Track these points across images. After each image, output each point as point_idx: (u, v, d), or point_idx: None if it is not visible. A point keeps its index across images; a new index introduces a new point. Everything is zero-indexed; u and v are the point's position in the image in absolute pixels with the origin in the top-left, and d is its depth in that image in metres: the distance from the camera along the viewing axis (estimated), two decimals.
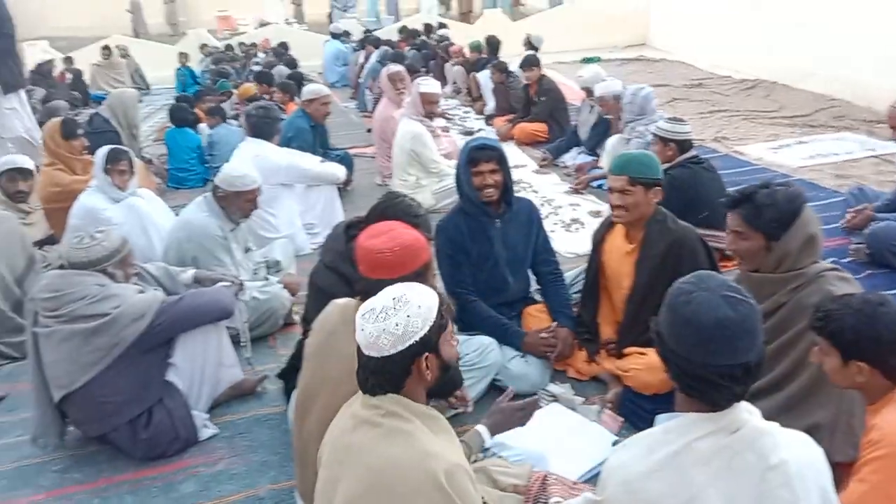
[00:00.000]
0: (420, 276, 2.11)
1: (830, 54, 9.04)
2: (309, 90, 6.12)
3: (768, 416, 1.49)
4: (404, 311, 1.66)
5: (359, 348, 1.70)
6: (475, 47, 10.63)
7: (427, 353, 1.69)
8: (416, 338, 1.66)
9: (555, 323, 3.33)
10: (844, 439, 2.25)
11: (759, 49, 10.77)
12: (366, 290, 2.14)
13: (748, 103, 9.29)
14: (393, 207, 2.70)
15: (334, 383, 2.14)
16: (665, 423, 1.59)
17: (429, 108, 5.93)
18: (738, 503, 1.47)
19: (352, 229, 2.88)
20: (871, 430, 1.87)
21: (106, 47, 13.76)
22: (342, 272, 2.80)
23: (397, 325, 1.64)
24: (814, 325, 1.98)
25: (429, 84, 6.02)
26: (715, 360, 1.47)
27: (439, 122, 6.44)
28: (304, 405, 2.31)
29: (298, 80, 8.54)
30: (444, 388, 1.82)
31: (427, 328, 1.67)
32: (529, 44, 9.39)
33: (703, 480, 1.48)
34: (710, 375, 1.48)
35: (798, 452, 1.53)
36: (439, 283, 3.01)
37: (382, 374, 1.68)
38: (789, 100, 9.21)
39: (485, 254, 3.32)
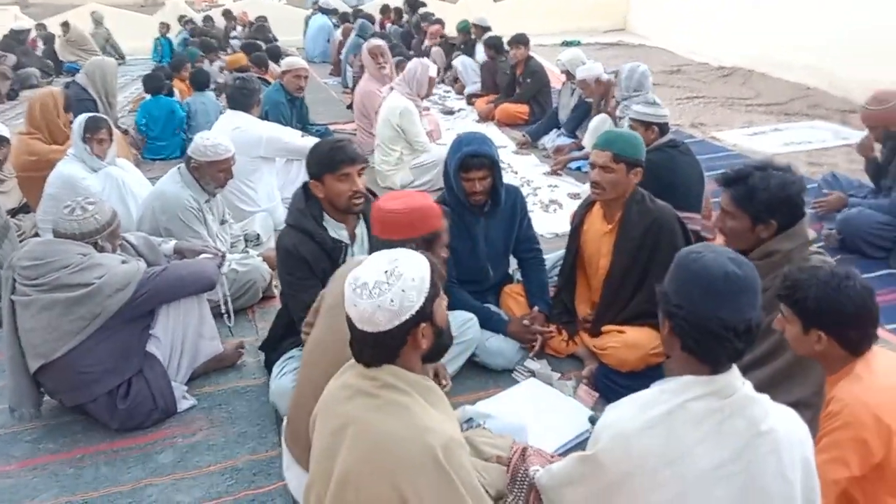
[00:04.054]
0: (429, 242, 2.14)
1: (807, 44, 9.14)
2: (284, 62, 6.12)
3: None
4: (398, 284, 1.62)
5: (349, 320, 1.67)
6: (462, 28, 10.58)
7: (423, 324, 1.68)
8: (412, 311, 1.63)
9: (535, 308, 3.36)
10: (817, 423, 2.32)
11: (737, 37, 10.86)
12: (378, 249, 2.19)
13: (725, 90, 9.39)
14: (339, 150, 2.77)
15: (343, 338, 2.15)
16: (660, 384, 1.64)
17: (431, 90, 6.10)
18: (725, 465, 1.53)
19: (309, 189, 2.93)
20: (831, 402, 1.94)
21: (65, 23, 13.41)
22: (305, 229, 2.84)
23: (392, 301, 1.60)
24: (780, 294, 2.04)
25: (433, 68, 6.12)
26: (722, 313, 1.54)
27: (424, 103, 6.46)
28: (313, 352, 2.30)
29: (276, 54, 8.43)
30: (437, 350, 1.83)
31: (422, 300, 1.65)
32: (478, 28, 9.36)
33: (693, 440, 1.53)
34: (716, 328, 1.54)
35: (786, 424, 1.60)
36: None
37: (378, 348, 1.67)
38: (766, 88, 9.32)
39: (467, 249, 3.32)
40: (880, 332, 3.45)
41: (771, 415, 1.59)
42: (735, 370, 1.62)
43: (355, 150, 2.88)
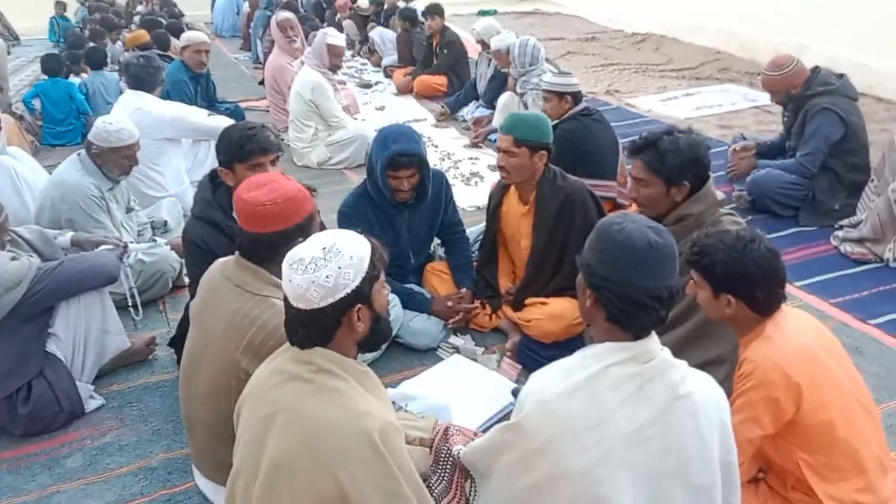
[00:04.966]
0: (303, 228, 2.07)
1: (718, 9, 9.35)
2: (184, 37, 5.84)
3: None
4: (335, 261, 1.59)
5: (286, 299, 1.65)
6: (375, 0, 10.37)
7: (359, 305, 1.64)
8: (348, 290, 1.61)
9: (464, 290, 3.32)
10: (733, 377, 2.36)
11: (651, 3, 11.01)
12: (247, 244, 2.10)
13: (639, 57, 9.53)
14: (250, 139, 2.65)
15: (217, 340, 2.10)
16: (583, 351, 1.64)
17: (335, 60, 5.79)
18: (644, 429, 1.54)
19: (217, 176, 2.79)
20: (743, 364, 1.97)
21: None
22: (212, 220, 2.71)
23: (328, 276, 1.58)
24: (688, 259, 2.05)
25: (336, 36, 5.87)
26: (646, 282, 1.55)
27: (338, 76, 6.24)
28: (190, 366, 2.25)
29: (177, 29, 8.03)
30: (375, 339, 1.77)
31: (359, 279, 1.62)
32: None
33: (614, 404, 1.53)
34: (640, 297, 1.54)
35: (703, 388, 1.62)
36: None
37: (311, 326, 1.63)
38: (678, 53, 9.50)
39: (389, 240, 3.17)
40: (791, 289, 3.58)
41: (688, 379, 1.60)
42: (654, 336, 1.63)
43: (268, 137, 2.73)
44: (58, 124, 6.62)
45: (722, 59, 8.96)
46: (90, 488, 2.56)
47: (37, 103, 6.71)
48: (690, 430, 1.56)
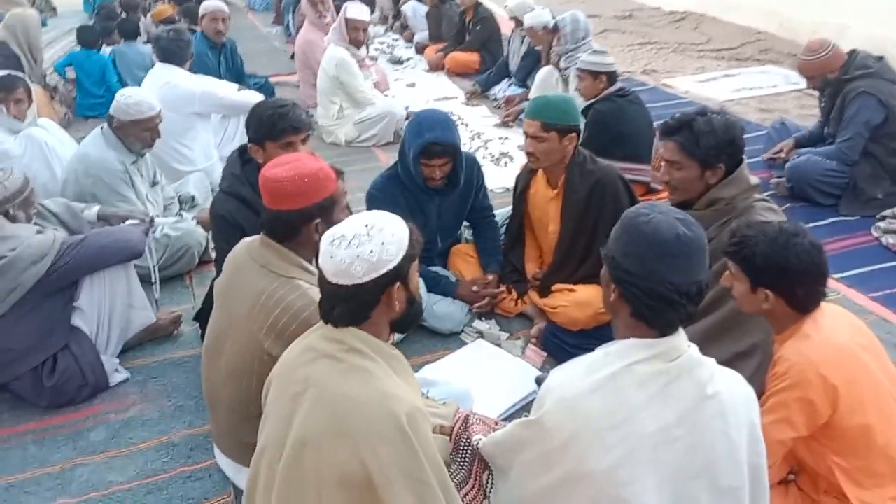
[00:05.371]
0: (323, 209, 2.05)
1: None
2: (201, 7, 5.77)
3: (695, 342, 1.51)
4: (379, 237, 1.60)
5: (322, 276, 1.64)
6: None
7: (398, 283, 1.65)
8: (390, 266, 1.61)
9: (491, 277, 3.27)
10: (767, 368, 2.26)
11: None
12: (268, 221, 2.09)
13: (677, 35, 9.28)
14: (283, 117, 2.62)
15: (241, 320, 2.09)
16: (605, 347, 1.59)
17: (354, 34, 5.60)
18: (670, 428, 1.48)
19: (246, 152, 2.77)
20: (778, 362, 1.90)
21: None
22: (241, 195, 2.69)
23: (371, 251, 1.58)
24: (727, 250, 1.98)
25: (356, 9, 5.67)
26: (674, 277, 1.48)
27: (367, 52, 6.14)
28: (214, 345, 2.24)
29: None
30: (408, 320, 1.78)
31: (400, 257, 1.63)
32: None
33: (639, 402, 1.48)
34: (667, 292, 1.48)
35: (731, 386, 1.56)
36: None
37: (352, 302, 1.63)
38: (717, 32, 9.24)
39: (418, 224, 3.12)
40: (830, 282, 3.45)
41: (716, 377, 1.54)
42: (681, 332, 1.57)
43: (300, 116, 2.70)
44: (91, 96, 6.65)
45: (763, 39, 8.69)
46: (112, 462, 2.58)
47: (70, 72, 6.74)
48: (718, 431, 1.51)
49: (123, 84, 6.27)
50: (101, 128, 3.62)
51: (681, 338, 1.56)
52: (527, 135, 2.98)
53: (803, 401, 1.80)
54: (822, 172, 4.19)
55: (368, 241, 1.59)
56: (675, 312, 1.51)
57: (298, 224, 2.05)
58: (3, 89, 3.90)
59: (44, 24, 11.80)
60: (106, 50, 6.95)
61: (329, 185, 2.08)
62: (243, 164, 2.78)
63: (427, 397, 2.37)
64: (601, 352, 1.58)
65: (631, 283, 1.52)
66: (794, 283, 1.87)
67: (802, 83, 6.61)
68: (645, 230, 1.51)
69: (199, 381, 2.89)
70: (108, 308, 2.91)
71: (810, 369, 1.80)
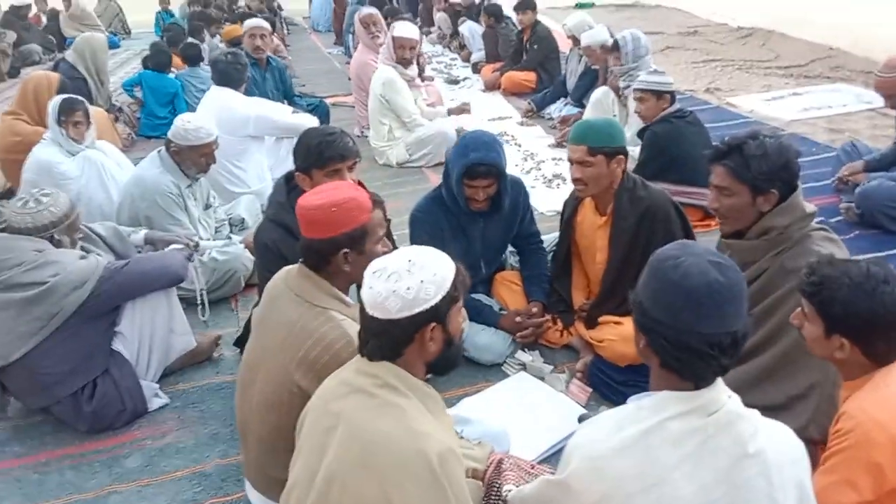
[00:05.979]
0: (353, 239, 2.00)
1: (829, 1, 8.71)
2: (244, 25, 5.86)
3: (746, 383, 1.37)
4: (419, 275, 1.56)
5: (362, 307, 1.61)
6: None
7: (434, 324, 1.60)
8: (427, 305, 1.57)
9: (535, 309, 3.14)
10: (826, 410, 2.09)
11: None
12: (303, 249, 2.06)
13: (743, 52, 9.00)
14: (330, 145, 2.60)
15: (274, 351, 2.05)
16: (638, 400, 1.47)
17: (401, 52, 5.55)
18: (708, 490, 1.36)
19: (292, 179, 2.75)
20: (842, 418, 1.72)
21: None
22: (285, 224, 2.65)
23: (409, 288, 1.55)
24: (804, 288, 1.80)
25: (403, 27, 5.64)
26: (704, 327, 1.36)
27: (418, 71, 6.09)
28: (248, 376, 2.21)
29: (270, 24, 8.14)
30: (444, 363, 1.70)
31: (439, 297, 1.58)
32: None
33: (673, 462, 1.36)
34: (697, 344, 1.36)
35: (778, 443, 1.42)
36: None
37: (384, 338, 1.60)
38: (786, 49, 8.91)
39: (461, 248, 3.07)
40: None
41: (760, 433, 1.40)
42: (720, 383, 1.43)
43: (347, 143, 2.68)
44: (154, 117, 6.80)
45: (834, 55, 8.32)
46: (145, 491, 2.56)
47: (137, 91, 6.92)
48: (761, 492, 1.37)
49: (189, 108, 6.40)
50: (159, 151, 3.68)
51: (719, 389, 1.42)
52: (572, 161, 2.87)
53: (869, 463, 1.62)
54: (894, 198, 3.92)
55: (408, 276, 1.56)
56: (706, 365, 1.38)
57: (327, 253, 2.02)
58: (63, 112, 4.01)
59: (117, 45, 12.30)
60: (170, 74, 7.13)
61: (360, 216, 2.03)
62: (289, 192, 2.76)
63: (461, 437, 2.28)
64: (633, 405, 1.46)
65: (658, 332, 1.40)
66: (877, 334, 1.70)
67: (876, 102, 6.32)
68: (673, 276, 1.38)
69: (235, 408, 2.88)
70: (150, 333, 2.91)
71: (877, 429, 1.62)
